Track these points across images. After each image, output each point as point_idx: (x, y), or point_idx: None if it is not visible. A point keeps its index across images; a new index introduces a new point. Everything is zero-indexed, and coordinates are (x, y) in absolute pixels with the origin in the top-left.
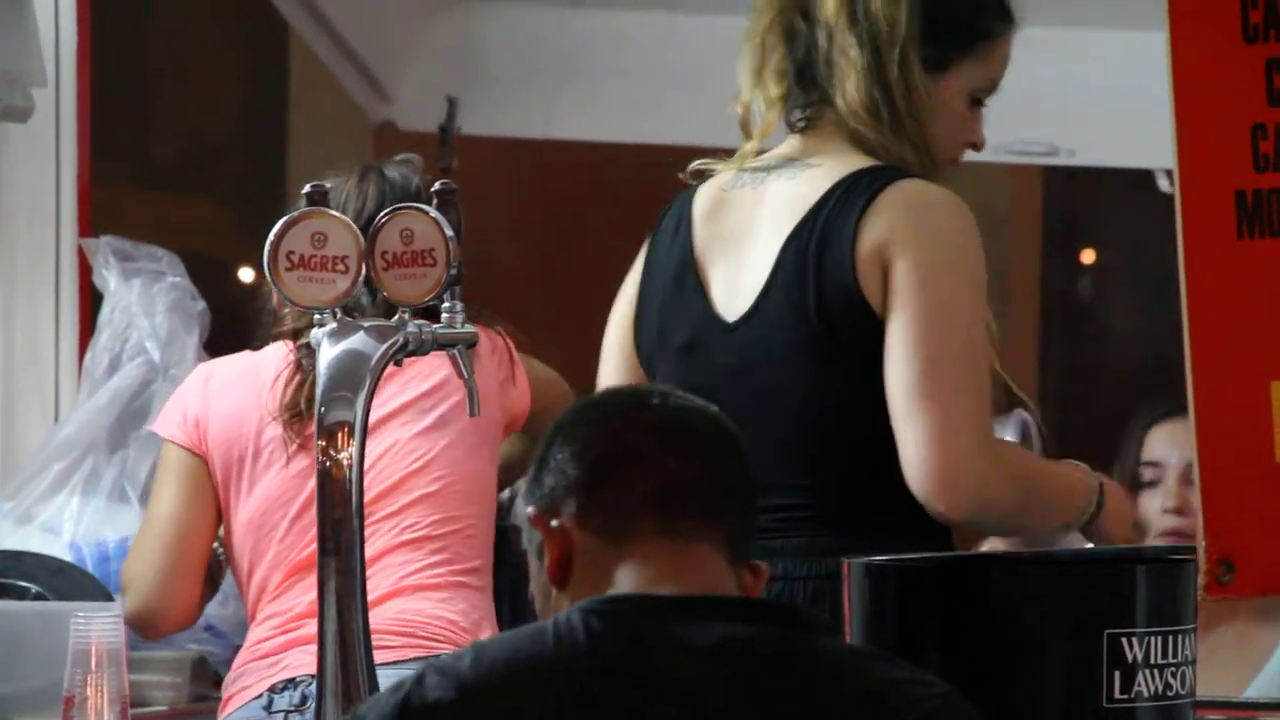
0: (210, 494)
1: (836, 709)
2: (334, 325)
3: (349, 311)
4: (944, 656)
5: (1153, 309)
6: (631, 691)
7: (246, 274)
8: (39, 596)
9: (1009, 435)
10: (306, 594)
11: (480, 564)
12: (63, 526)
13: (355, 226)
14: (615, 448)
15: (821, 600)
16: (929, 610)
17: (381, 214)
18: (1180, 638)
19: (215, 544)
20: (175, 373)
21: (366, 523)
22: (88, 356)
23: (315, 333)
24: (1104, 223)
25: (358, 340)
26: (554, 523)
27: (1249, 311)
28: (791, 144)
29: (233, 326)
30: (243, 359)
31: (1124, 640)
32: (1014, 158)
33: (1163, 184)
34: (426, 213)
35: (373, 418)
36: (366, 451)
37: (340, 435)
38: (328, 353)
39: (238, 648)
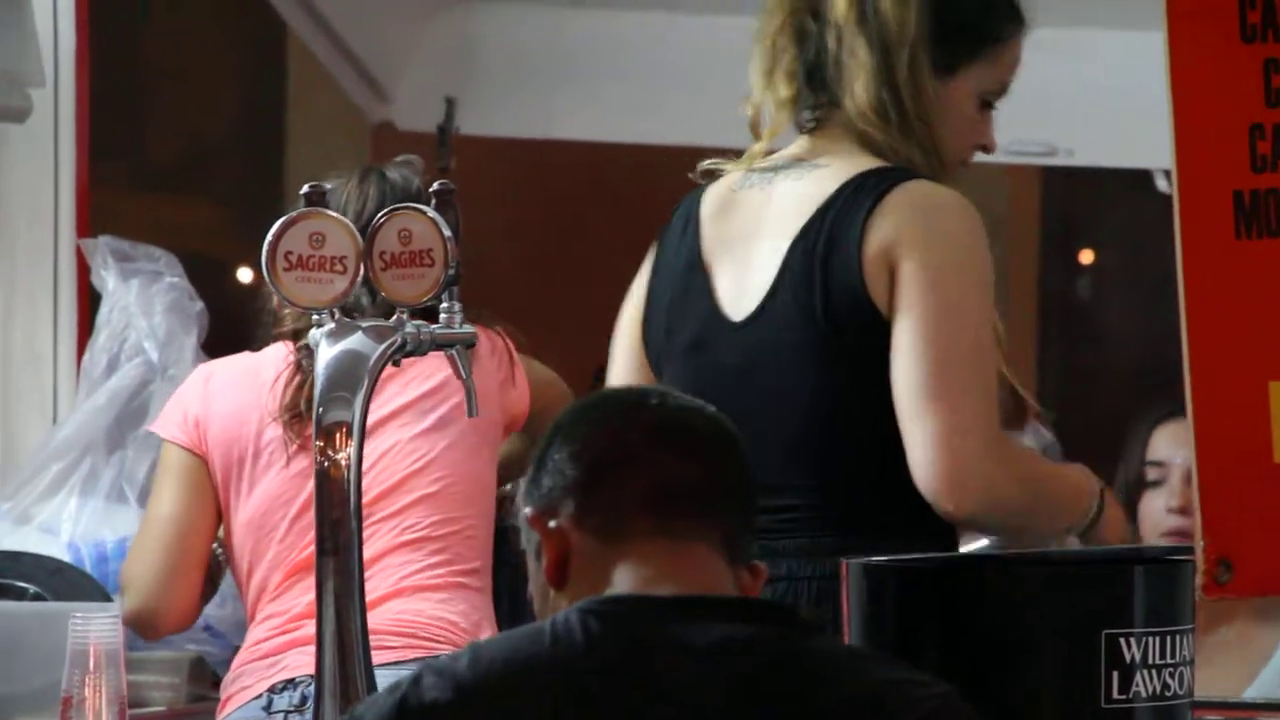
0: (210, 494)
1: (835, 710)
2: (332, 326)
3: (348, 312)
4: (942, 657)
5: (1151, 309)
6: (629, 692)
7: (245, 274)
8: (37, 597)
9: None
10: (306, 594)
11: (480, 565)
12: (61, 527)
13: (353, 227)
14: (613, 448)
15: (826, 601)
16: (927, 610)
17: (380, 214)
18: (1178, 638)
19: (214, 545)
20: (173, 373)
21: (366, 523)
22: (86, 357)
23: (313, 333)
24: (1102, 223)
25: (356, 341)
26: (552, 523)
27: (1247, 312)
28: (800, 144)
29: (231, 327)
30: (243, 360)
31: (1122, 640)
32: (1012, 158)
33: (1161, 184)
34: (424, 213)
35: (373, 418)
36: (367, 452)
37: (338, 435)
38: (326, 353)
39: (236, 648)
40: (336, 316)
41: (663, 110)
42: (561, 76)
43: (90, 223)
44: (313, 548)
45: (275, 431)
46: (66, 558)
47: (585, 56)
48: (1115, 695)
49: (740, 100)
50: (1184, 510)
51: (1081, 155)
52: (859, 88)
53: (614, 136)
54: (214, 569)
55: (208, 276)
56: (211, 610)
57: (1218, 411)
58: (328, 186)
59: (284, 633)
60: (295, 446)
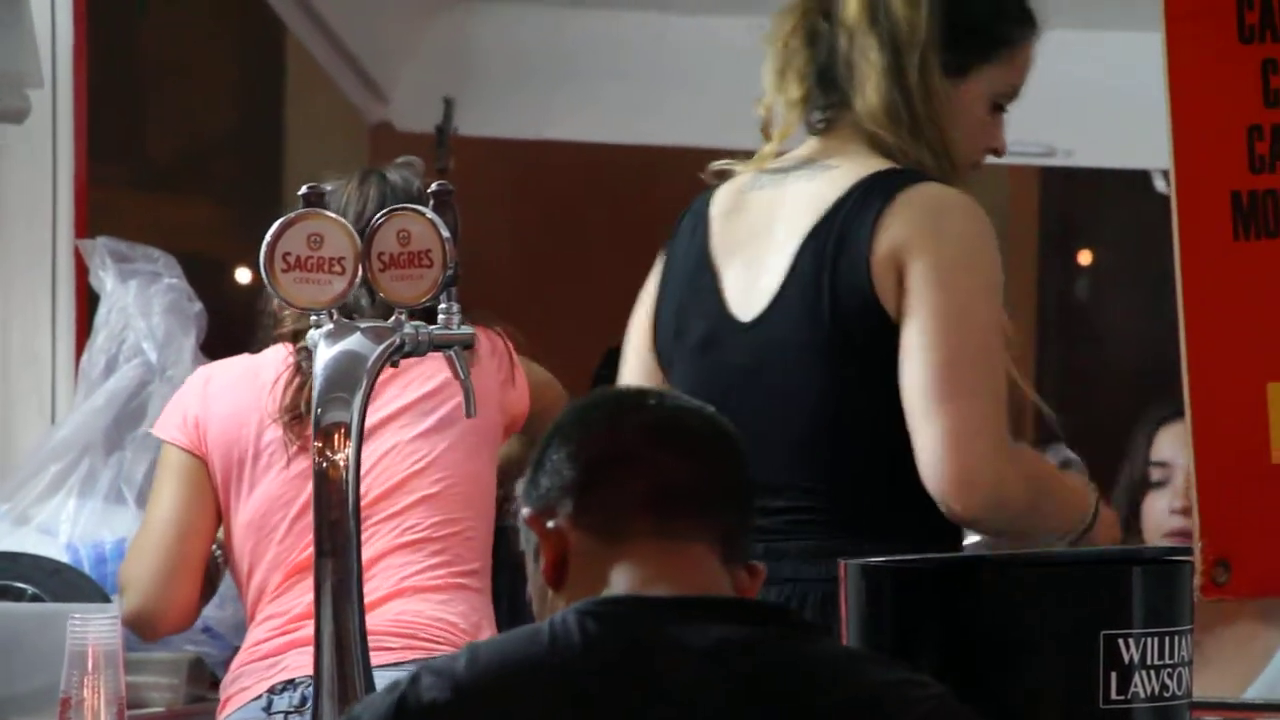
0: (210, 496)
1: (834, 710)
2: (330, 327)
3: (347, 313)
4: (941, 657)
5: (1149, 310)
6: (627, 693)
7: (243, 275)
8: (36, 598)
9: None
10: (306, 595)
11: (479, 566)
12: (59, 528)
13: (351, 228)
14: (610, 448)
15: (831, 604)
16: (926, 611)
17: (378, 215)
18: (1177, 639)
19: (214, 546)
20: (172, 374)
21: (367, 524)
22: (84, 358)
23: (312, 334)
24: (1101, 223)
25: (354, 341)
26: (550, 524)
27: (1245, 312)
28: (810, 146)
29: (229, 327)
30: (242, 361)
31: (1121, 641)
32: (1011, 158)
33: (1159, 185)
34: (423, 214)
35: (373, 419)
36: (367, 453)
37: (337, 436)
38: (324, 354)
39: (235, 649)
40: (335, 317)
41: (661, 111)
42: (560, 77)
43: (88, 223)
44: (312, 548)
45: (275, 433)
46: (65, 559)
47: (584, 57)
48: (1114, 696)
49: (753, 101)
50: (1188, 511)
51: (1080, 156)
52: (870, 89)
53: (612, 137)
54: (213, 570)
55: (206, 277)
56: (210, 611)
57: (1216, 412)
58: (328, 188)
59: (284, 633)
60: (295, 448)
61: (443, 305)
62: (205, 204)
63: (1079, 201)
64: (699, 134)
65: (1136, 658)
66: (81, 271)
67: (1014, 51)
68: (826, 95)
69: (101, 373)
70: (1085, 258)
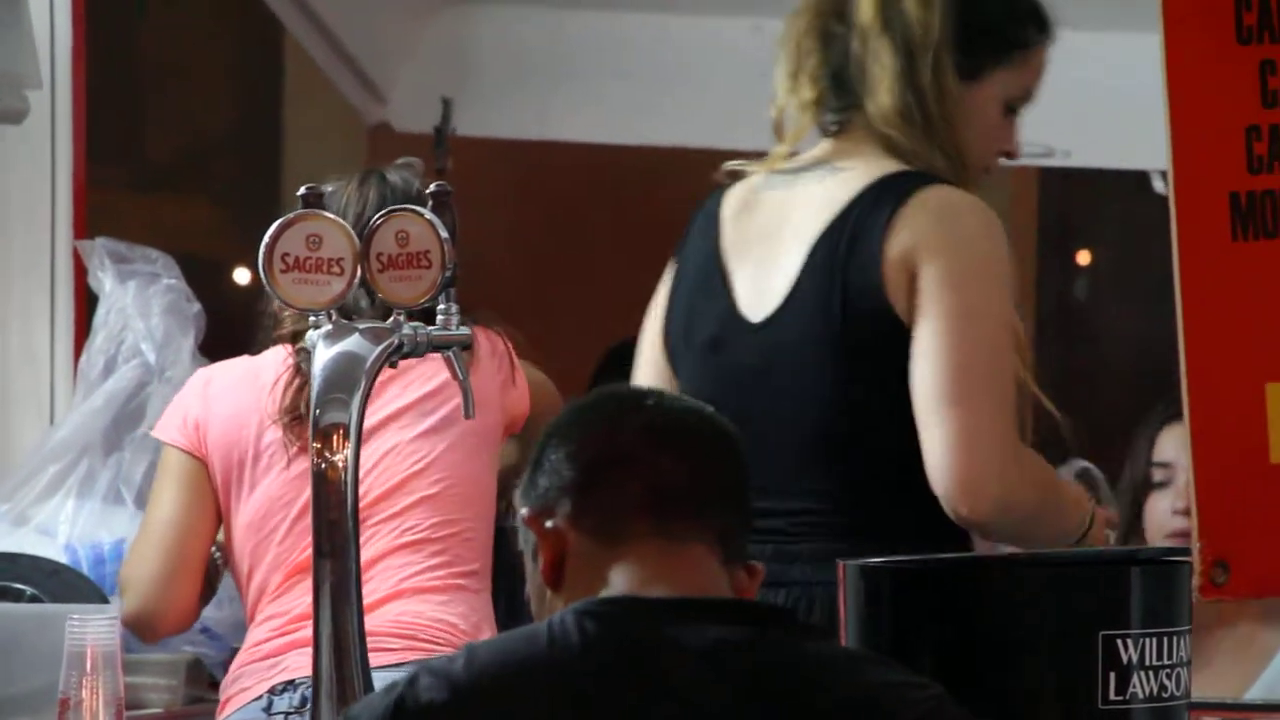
0: (210, 497)
1: (832, 711)
2: (329, 327)
3: (346, 314)
4: (939, 658)
5: (1148, 311)
6: (626, 693)
7: (242, 276)
8: (34, 599)
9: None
10: (306, 595)
11: (479, 567)
12: (58, 529)
13: (350, 228)
14: (609, 449)
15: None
16: (924, 612)
17: (377, 216)
18: (1175, 639)
19: (213, 548)
20: (171, 375)
21: (367, 525)
22: (83, 358)
23: (310, 335)
24: (1099, 224)
25: (353, 342)
26: (548, 524)
27: (1244, 313)
28: (823, 147)
29: (228, 328)
30: (242, 363)
31: (1119, 642)
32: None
33: (1158, 185)
34: (422, 214)
35: (373, 420)
36: (367, 453)
37: (335, 437)
38: (323, 355)
39: (233, 650)
40: (333, 318)
41: (662, 111)
42: (559, 77)
43: (87, 224)
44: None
45: (275, 434)
46: (64, 559)
47: (584, 57)
48: (1112, 696)
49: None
50: (1189, 512)
51: (1079, 156)
52: (883, 91)
53: (613, 138)
54: (212, 572)
55: (205, 278)
56: (209, 612)
57: (1215, 413)
58: (327, 189)
59: (284, 634)
60: (295, 449)
61: (441, 306)
62: (204, 205)
63: (1077, 202)
64: (700, 134)
65: (1135, 658)
66: (80, 272)
67: (1027, 54)
68: (839, 97)
69: (100, 373)
70: (1084, 258)
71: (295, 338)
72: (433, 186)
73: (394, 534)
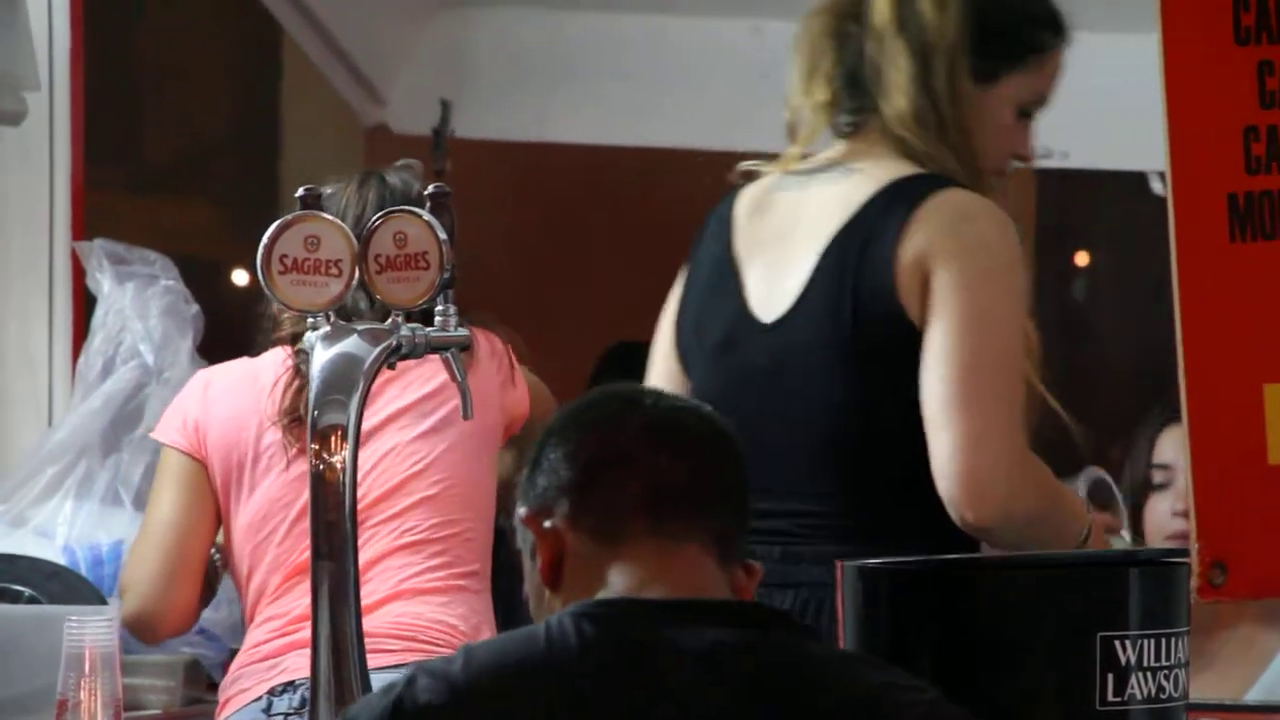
0: (209, 499)
1: (829, 714)
2: (327, 329)
3: (345, 315)
4: (937, 659)
5: (1146, 312)
6: (623, 695)
7: (240, 277)
8: (33, 600)
9: (1080, 492)
10: (305, 597)
11: (479, 568)
12: (56, 530)
13: (348, 230)
14: (606, 449)
15: None
16: (923, 613)
17: (375, 217)
18: (1173, 640)
19: (212, 549)
20: (169, 376)
21: (366, 526)
22: (81, 360)
23: (309, 336)
24: (1097, 225)
25: (351, 344)
26: (547, 524)
27: (1242, 314)
28: (837, 148)
29: (226, 329)
30: (241, 365)
31: (1117, 643)
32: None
33: (1156, 186)
34: (420, 216)
35: (373, 421)
36: (367, 454)
37: (333, 439)
38: (321, 356)
39: (232, 651)
40: (332, 320)
41: (661, 113)
42: (557, 79)
43: (85, 225)
44: None
45: (275, 435)
46: (62, 561)
47: (582, 59)
48: (1110, 698)
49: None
50: (1189, 514)
51: (1077, 158)
52: (897, 93)
53: (611, 139)
54: (212, 573)
55: (203, 279)
56: (207, 613)
57: (1213, 414)
58: (326, 190)
59: (283, 635)
60: (295, 450)
61: (440, 307)
62: (202, 206)
63: (1076, 203)
64: (699, 135)
65: (1133, 659)
66: (78, 274)
67: (1043, 58)
68: (854, 99)
69: (98, 375)
70: (1082, 259)
71: (295, 339)
72: (431, 188)
73: (393, 535)
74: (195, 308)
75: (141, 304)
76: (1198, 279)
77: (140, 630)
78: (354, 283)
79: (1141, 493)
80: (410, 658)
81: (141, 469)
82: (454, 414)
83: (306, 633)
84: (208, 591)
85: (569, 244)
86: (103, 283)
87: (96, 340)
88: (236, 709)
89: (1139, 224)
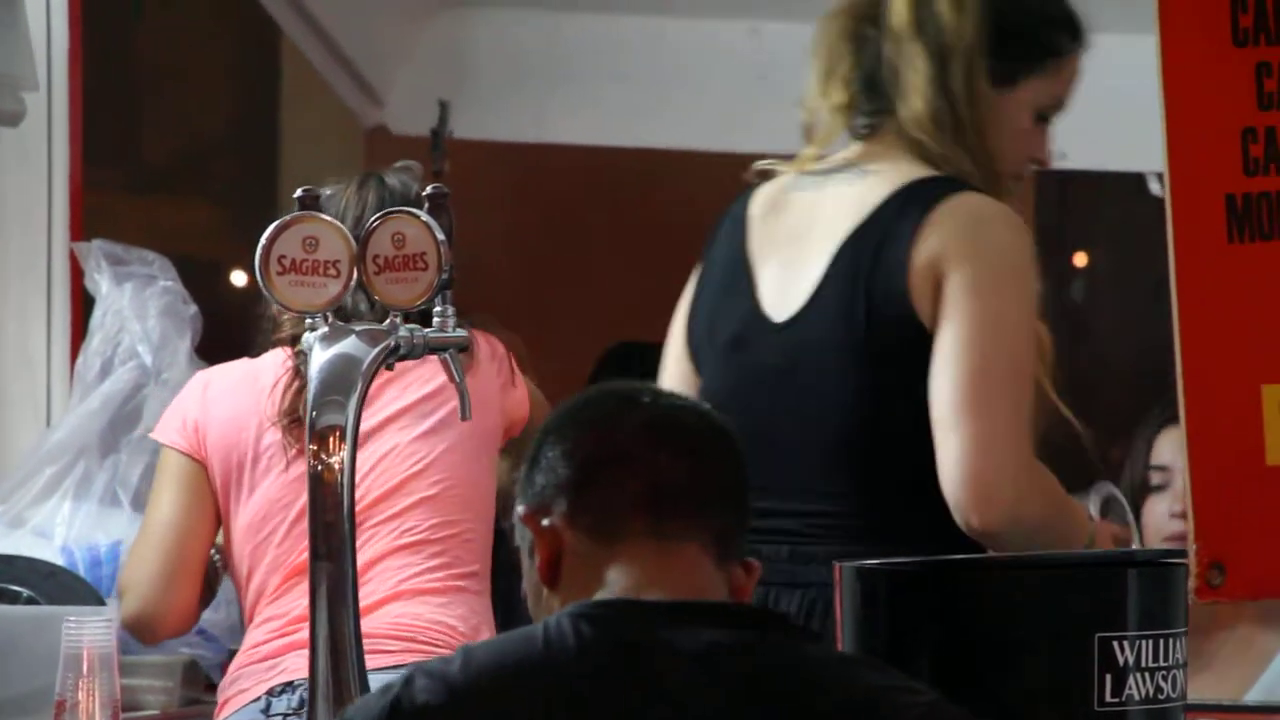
0: (209, 499)
1: (827, 716)
2: (325, 330)
3: (345, 317)
4: (935, 660)
5: (1145, 312)
6: (621, 695)
7: (239, 278)
8: (31, 601)
9: (1093, 508)
10: (304, 597)
11: (478, 568)
12: (54, 531)
13: (346, 230)
14: (605, 447)
15: None
16: (920, 613)
17: (373, 218)
18: (1171, 641)
19: (212, 550)
20: (167, 377)
21: (366, 526)
22: (79, 360)
23: (307, 337)
24: (1096, 226)
25: (349, 345)
26: (545, 522)
27: (1239, 315)
28: (853, 149)
29: (225, 330)
30: (241, 365)
31: (1115, 644)
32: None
33: (1154, 187)
34: (418, 217)
35: (373, 421)
36: (367, 455)
37: (332, 439)
38: (319, 357)
39: (230, 652)
40: (330, 320)
41: (659, 114)
42: (556, 80)
43: (83, 226)
44: None
45: (274, 436)
46: (60, 561)
47: (580, 60)
48: (1108, 698)
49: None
50: (1187, 514)
51: (1075, 159)
52: (915, 95)
53: (609, 140)
54: (212, 575)
55: (201, 280)
56: (205, 614)
57: (1210, 415)
58: (326, 192)
59: (282, 635)
60: (294, 451)
61: (438, 308)
62: (201, 207)
63: (1074, 204)
64: (697, 137)
65: (1131, 660)
66: (77, 274)
67: (1061, 62)
68: (871, 101)
69: (97, 375)
70: (1081, 260)
71: (295, 340)
72: (429, 189)
73: (393, 535)
74: (193, 308)
75: (140, 304)
76: (1196, 280)
77: (140, 631)
78: (352, 283)
79: (1139, 494)
80: (409, 658)
81: (140, 470)
82: (454, 415)
83: (305, 633)
84: (208, 592)
85: (567, 245)
86: (101, 283)
87: (95, 341)
88: (235, 709)
89: (1137, 225)
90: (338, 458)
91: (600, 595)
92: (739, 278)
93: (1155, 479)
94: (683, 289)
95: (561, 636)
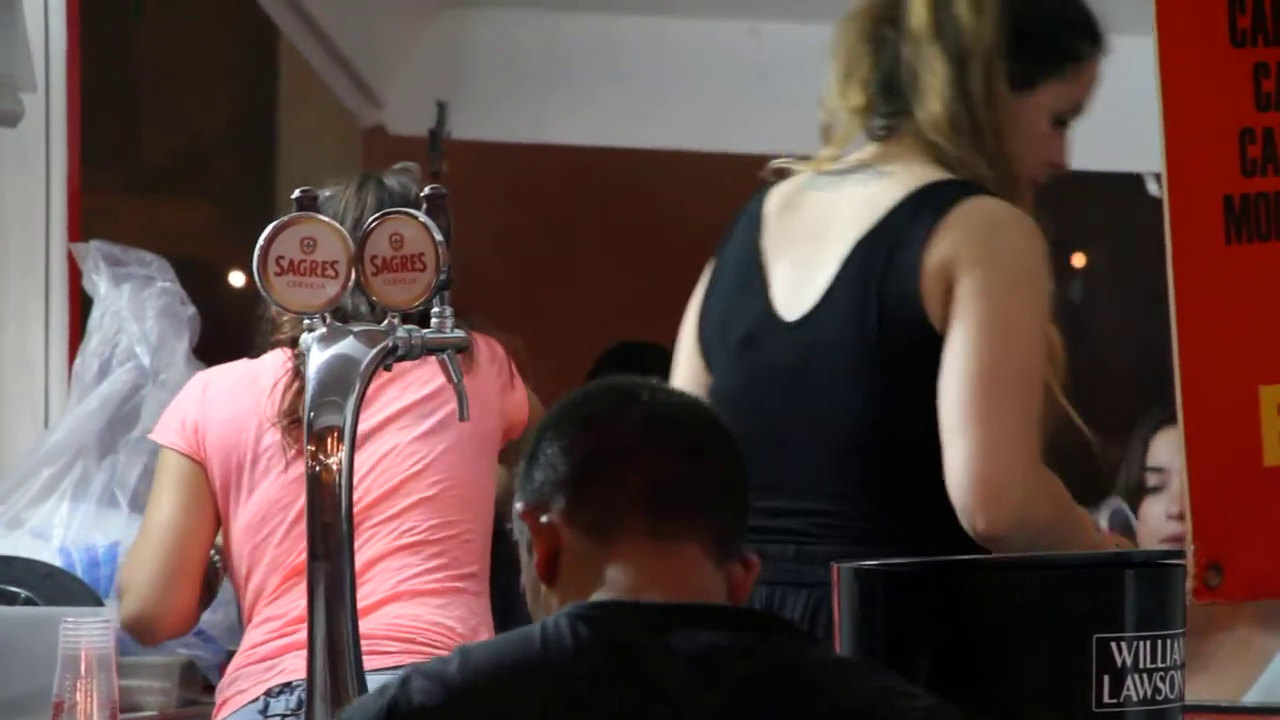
0: (209, 500)
1: (824, 718)
2: (323, 330)
3: (344, 318)
4: (933, 661)
5: (1144, 313)
6: (618, 696)
7: (237, 278)
8: (28, 601)
9: (1102, 521)
10: (303, 598)
11: (477, 569)
12: (52, 531)
13: (344, 231)
14: (603, 444)
15: None
16: (918, 614)
17: (371, 219)
18: (1169, 642)
19: (212, 551)
20: (165, 377)
21: (365, 526)
22: (77, 361)
23: (305, 338)
24: (1094, 227)
25: (347, 345)
26: (543, 518)
27: (1237, 316)
28: (869, 150)
29: (223, 331)
30: (240, 366)
31: (1113, 645)
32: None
33: (1152, 188)
34: (416, 217)
35: (372, 422)
36: (367, 455)
37: (330, 440)
38: (317, 358)
39: (228, 653)
40: (328, 321)
41: (657, 115)
42: (554, 81)
43: (82, 227)
44: None
45: (274, 437)
46: (58, 562)
47: (578, 60)
48: (1106, 699)
49: (818, 105)
50: (1184, 516)
51: (1073, 159)
52: (933, 97)
53: (607, 141)
54: (211, 575)
55: (199, 281)
56: (203, 615)
57: (1208, 416)
58: (325, 193)
59: (281, 636)
60: (294, 452)
61: (436, 309)
62: (199, 208)
63: (1071, 205)
64: (695, 138)
65: (1129, 661)
66: (75, 275)
67: (1079, 67)
68: (889, 102)
69: (95, 376)
70: (1078, 260)
71: (295, 342)
72: (427, 190)
73: (392, 536)
74: (191, 309)
75: (138, 305)
76: (1193, 281)
77: (140, 632)
78: (350, 284)
79: (1136, 496)
80: (408, 659)
81: (138, 470)
82: (453, 416)
83: (304, 634)
84: (208, 593)
85: (564, 245)
86: (99, 284)
87: (93, 342)
88: (234, 710)
89: (1135, 226)
90: (336, 458)
91: (599, 595)
92: (752, 276)
93: (1151, 480)
94: (679, 289)
95: (559, 637)
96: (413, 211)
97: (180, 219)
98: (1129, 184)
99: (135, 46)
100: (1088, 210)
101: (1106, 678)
